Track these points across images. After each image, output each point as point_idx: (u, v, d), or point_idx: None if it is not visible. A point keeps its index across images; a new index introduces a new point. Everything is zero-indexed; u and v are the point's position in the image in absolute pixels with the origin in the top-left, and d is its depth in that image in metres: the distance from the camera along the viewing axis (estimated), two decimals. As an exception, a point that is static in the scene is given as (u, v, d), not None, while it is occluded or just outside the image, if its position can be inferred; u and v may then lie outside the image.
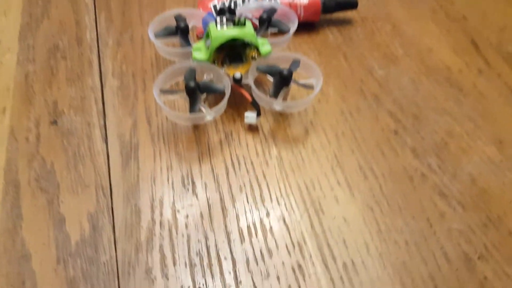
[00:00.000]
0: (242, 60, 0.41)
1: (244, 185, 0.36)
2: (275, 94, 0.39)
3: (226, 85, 0.39)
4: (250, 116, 0.40)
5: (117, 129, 0.41)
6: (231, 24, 0.40)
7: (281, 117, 0.41)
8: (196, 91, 0.38)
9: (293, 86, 0.40)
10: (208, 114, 0.38)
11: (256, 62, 0.41)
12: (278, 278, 0.31)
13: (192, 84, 0.38)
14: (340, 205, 0.35)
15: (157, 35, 0.43)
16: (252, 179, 0.37)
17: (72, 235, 0.33)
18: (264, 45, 0.41)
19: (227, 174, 0.37)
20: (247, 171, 0.37)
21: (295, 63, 0.40)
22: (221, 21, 0.40)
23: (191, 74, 0.39)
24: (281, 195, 0.36)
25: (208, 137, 0.40)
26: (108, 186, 0.36)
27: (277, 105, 0.39)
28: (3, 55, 0.48)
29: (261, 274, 0.31)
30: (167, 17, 0.44)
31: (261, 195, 0.36)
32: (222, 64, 0.41)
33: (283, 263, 0.32)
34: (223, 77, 0.40)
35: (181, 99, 0.42)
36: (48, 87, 0.45)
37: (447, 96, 0.43)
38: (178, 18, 0.43)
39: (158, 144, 0.39)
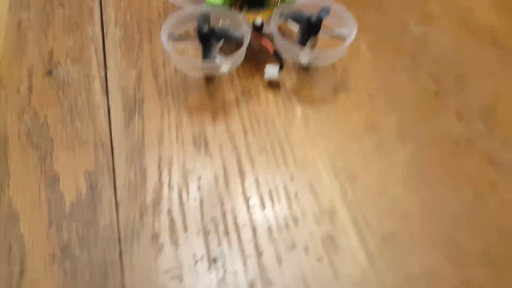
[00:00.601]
0: (264, 5, 0.37)
1: (265, 147, 0.32)
2: (302, 44, 0.35)
3: (245, 33, 0.35)
4: (271, 70, 0.35)
5: (119, 81, 0.37)
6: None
7: (306, 73, 0.37)
8: (210, 37, 0.33)
9: (321, 37, 0.36)
10: (224, 64, 0.34)
11: (280, 7, 0.36)
12: (305, 249, 0.27)
13: (206, 28, 0.33)
14: (375, 173, 0.31)
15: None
16: (274, 140, 0.33)
17: (67, 196, 0.29)
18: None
19: (245, 134, 0.33)
20: (268, 132, 0.33)
21: (325, 10, 0.36)
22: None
23: (205, 18, 0.34)
24: (308, 159, 0.32)
25: (223, 92, 0.36)
26: (109, 143, 0.32)
27: (304, 56, 0.35)
28: (-7, -1, 0.43)
29: (286, 244, 0.27)
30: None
31: (284, 158, 0.32)
32: (241, 8, 0.36)
33: (311, 233, 0.28)
34: (241, 23, 0.35)
35: (192, 48, 0.37)
36: (43, 36, 0.40)
37: (492, 57, 0.39)
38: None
39: (165, 99, 0.35)
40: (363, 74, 0.37)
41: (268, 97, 0.35)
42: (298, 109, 0.35)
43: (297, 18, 0.36)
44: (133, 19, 0.41)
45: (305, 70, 0.37)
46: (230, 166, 0.31)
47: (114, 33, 0.40)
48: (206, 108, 0.35)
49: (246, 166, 0.31)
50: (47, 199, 0.29)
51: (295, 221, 0.28)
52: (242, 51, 0.34)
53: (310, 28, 0.35)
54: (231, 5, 0.36)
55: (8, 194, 0.30)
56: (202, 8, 0.36)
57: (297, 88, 0.36)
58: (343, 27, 0.36)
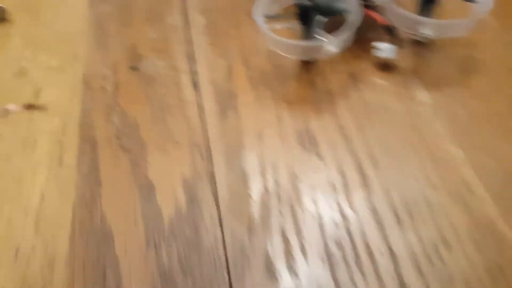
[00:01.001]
0: None
1: (388, 144, 0.24)
2: (423, 13, 0.26)
3: (352, 4, 0.26)
4: (384, 48, 0.26)
5: (209, 74, 0.29)
6: None
7: (425, 50, 0.28)
8: (312, 13, 0.25)
9: (444, 2, 0.26)
10: (331, 43, 0.25)
11: None
12: (466, 283, 0.19)
13: (307, 2, 0.25)
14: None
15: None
16: (399, 135, 0.24)
17: (164, 210, 0.23)
18: None
19: (361, 128, 0.25)
20: (389, 124, 0.25)
21: None
22: None
23: None
24: (449, 158, 0.23)
25: (326, 79, 0.27)
26: (205, 144, 0.25)
27: (427, 27, 0.25)
28: (73, -6, 0.38)
29: (439, 277, 0.19)
30: None
31: (418, 158, 0.23)
32: None
33: (470, 261, 0.19)
34: None
35: (288, 31, 0.29)
36: (125, 29, 0.34)
37: None
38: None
39: (261, 91, 0.28)
40: (496, 49, 0.27)
41: (382, 81, 0.26)
42: (423, 95, 0.25)
43: None
44: (217, 3, 0.34)
45: (422, 46, 0.28)
46: (348, 170, 0.23)
47: (198, 21, 0.33)
48: (308, 98, 0.27)
49: (369, 169, 0.23)
50: (143, 213, 0.23)
51: (447, 246, 0.20)
52: (351, 27, 0.25)
53: None
54: None
55: (101, 207, 0.24)
56: None
57: (417, 69, 0.27)
58: None
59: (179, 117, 0.27)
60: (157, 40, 0.32)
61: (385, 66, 0.27)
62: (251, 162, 0.24)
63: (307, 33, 0.26)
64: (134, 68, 0.31)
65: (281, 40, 0.28)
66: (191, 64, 0.30)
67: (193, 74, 0.29)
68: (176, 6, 0.35)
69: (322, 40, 0.25)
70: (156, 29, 0.33)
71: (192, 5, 0.34)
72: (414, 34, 0.26)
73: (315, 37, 0.25)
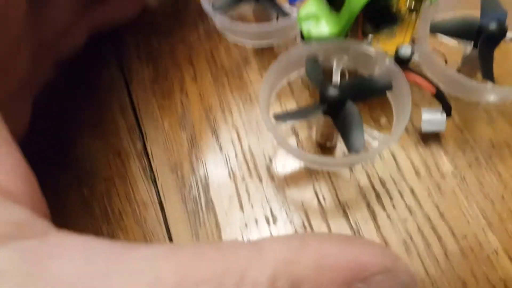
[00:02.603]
0: (395, 18, 0.18)
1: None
2: (488, 69, 0.17)
3: (392, 75, 0.17)
4: (434, 120, 0.18)
5: (166, 156, 0.20)
6: None
7: (478, 115, 0.20)
8: (344, 103, 0.16)
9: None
10: (381, 142, 0.17)
11: (423, 16, 0.18)
12: None
13: (333, 92, 0.15)
14: None
15: (218, 4, 0.20)
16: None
17: None
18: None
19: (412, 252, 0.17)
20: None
21: (495, 5, 0.18)
22: None
23: (315, 69, 0.17)
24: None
25: (355, 185, 0.19)
26: None
27: (493, 92, 0.17)
28: None
29: None
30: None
31: None
32: (364, 34, 0.18)
33: None
34: (377, 59, 0.17)
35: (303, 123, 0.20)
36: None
37: None
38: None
39: (244, 187, 0.19)
40: None
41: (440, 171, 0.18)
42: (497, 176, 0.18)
43: (460, 30, 0.18)
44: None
45: (472, 110, 0.20)
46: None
47: (141, 73, 0.23)
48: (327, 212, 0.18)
49: None
50: None
51: None
52: (404, 115, 0.16)
53: (489, 43, 0.17)
54: (345, 34, 0.17)
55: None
56: (302, 50, 0.17)
57: (475, 133, 0.19)
58: None
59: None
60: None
61: (430, 140, 0.19)
62: None
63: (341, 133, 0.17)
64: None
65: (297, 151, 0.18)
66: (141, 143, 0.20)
67: (146, 158, 0.20)
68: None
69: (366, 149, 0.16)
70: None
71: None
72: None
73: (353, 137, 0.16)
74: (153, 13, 0.24)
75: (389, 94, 0.17)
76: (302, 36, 0.18)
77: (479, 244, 0.16)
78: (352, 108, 0.16)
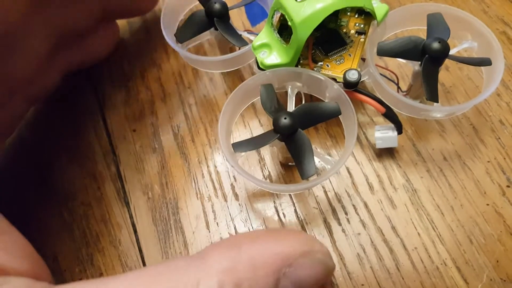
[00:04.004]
0: (344, 42, 0.19)
1: None
2: (432, 91, 0.18)
3: (340, 101, 0.17)
4: (386, 137, 0.19)
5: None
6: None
7: (422, 124, 0.20)
8: (295, 131, 0.17)
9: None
10: (332, 166, 0.17)
11: (370, 39, 0.18)
12: None
13: (286, 122, 0.16)
14: None
15: (181, 38, 0.20)
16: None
17: None
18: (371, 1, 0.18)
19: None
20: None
21: (439, 23, 0.18)
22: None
23: (269, 97, 0.17)
24: None
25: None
26: None
27: (438, 111, 0.18)
28: None
29: None
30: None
31: None
32: (314, 61, 0.19)
33: None
34: (326, 84, 0.18)
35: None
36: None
37: None
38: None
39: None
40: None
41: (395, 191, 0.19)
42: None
43: (404, 52, 0.18)
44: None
45: (424, 121, 0.20)
46: None
47: (114, 97, 0.24)
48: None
49: None
50: None
51: None
52: (350, 142, 0.17)
53: (433, 61, 0.17)
54: (297, 62, 0.18)
55: None
56: (255, 80, 0.18)
57: (423, 148, 0.20)
58: (469, 41, 0.19)
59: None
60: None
61: (383, 156, 0.20)
62: None
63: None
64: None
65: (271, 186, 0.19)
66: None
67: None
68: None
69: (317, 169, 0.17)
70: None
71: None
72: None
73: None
74: (124, 39, 0.25)
75: (340, 116, 0.18)
76: (258, 65, 0.18)
77: (429, 255, 0.17)
78: (303, 137, 0.17)
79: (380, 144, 0.19)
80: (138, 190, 0.21)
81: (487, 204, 0.18)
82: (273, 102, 0.17)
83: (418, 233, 0.18)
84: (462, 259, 0.17)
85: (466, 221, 0.18)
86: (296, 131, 0.16)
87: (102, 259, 0.20)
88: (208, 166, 0.21)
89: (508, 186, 0.18)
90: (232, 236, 0.15)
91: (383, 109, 0.18)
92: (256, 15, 0.21)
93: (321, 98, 0.19)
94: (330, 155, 0.20)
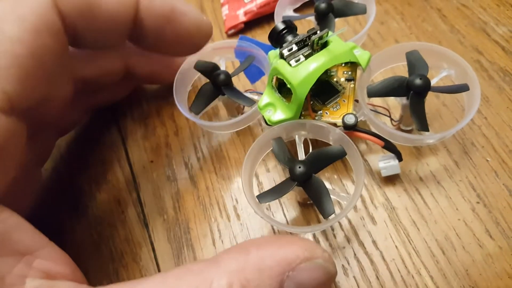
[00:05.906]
0: (337, 90, 0.22)
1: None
2: (421, 123, 0.20)
3: (342, 140, 0.20)
4: (389, 166, 0.21)
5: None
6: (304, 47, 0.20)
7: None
8: (311, 177, 0.19)
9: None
10: (348, 201, 0.19)
11: (359, 84, 0.21)
12: None
13: (300, 170, 0.19)
14: None
15: (197, 111, 0.23)
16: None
17: None
18: (353, 51, 0.20)
19: None
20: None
21: (417, 60, 0.21)
22: (293, 49, 0.20)
23: (281, 148, 0.20)
24: None
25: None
26: None
27: (430, 138, 0.20)
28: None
29: None
30: (185, 74, 0.24)
31: None
32: (314, 111, 0.22)
33: None
34: (329, 129, 0.20)
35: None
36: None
37: None
38: (204, 65, 0.23)
39: None
40: (503, 131, 0.22)
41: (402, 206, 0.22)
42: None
43: (391, 91, 0.20)
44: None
45: (415, 151, 0.23)
46: None
47: (135, 132, 0.28)
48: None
49: None
50: None
51: None
52: (359, 179, 0.19)
53: (418, 95, 0.20)
54: (299, 114, 0.21)
55: None
56: (268, 135, 0.21)
57: (421, 172, 0.22)
58: (447, 69, 0.21)
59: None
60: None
61: (389, 181, 0.22)
62: None
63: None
64: None
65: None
66: (135, 197, 0.25)
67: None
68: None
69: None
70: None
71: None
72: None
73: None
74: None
75: (346, 156, 0.20)
76: (266, 121, 0.21)
77: (405, 266, 0.20)
78: (318, 181, 0.19)
79: (385, 173, 0.21)
80: (155, 213, 0.24)
81: (459, 219, 0.20)
82: (286, 153, 0.20)
83: (396, 246, 0.20)
84: (435, 269, 0.19)
85: (439, 234, 0.20)
86: (311, 177, 0.19)
87: (126, 273, 0.23)
88: (214, 191, 0.24)
89: (478, 203, 0.20)
90: (242, 242, 0.17)
91: (382, 143, 0.20)
92: (254, 74, 0.24)
93: (326, 141, 0.21)
94: (338, 188, 0.22)
